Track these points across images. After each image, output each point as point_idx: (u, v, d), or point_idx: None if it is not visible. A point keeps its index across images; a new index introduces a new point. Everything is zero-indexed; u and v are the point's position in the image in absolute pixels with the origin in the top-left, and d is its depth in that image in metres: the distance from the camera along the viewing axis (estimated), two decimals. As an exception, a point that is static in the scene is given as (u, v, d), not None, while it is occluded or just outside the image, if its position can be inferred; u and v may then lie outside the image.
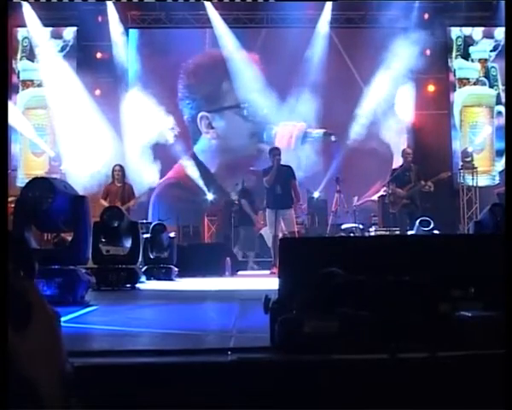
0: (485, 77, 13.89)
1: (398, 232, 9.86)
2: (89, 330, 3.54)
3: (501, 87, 13.60)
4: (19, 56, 13.79)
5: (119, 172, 9.49)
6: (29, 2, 13.24)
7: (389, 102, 13.39)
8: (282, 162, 9.75)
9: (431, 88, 13.84)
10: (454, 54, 13.97)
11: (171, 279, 8.54)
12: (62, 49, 13.78)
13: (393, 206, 10.08)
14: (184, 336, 3.19)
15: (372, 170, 12.78)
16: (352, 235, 11.28)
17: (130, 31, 14.21)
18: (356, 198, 12.97)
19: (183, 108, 14.06)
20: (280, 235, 9.44)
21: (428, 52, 13.02)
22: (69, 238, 5.52)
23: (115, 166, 9.65)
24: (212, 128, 14.05)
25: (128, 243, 7.10)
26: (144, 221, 10.76)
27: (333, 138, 13.42)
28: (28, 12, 13.30)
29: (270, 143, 13.06)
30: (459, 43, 13.96)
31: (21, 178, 12.73)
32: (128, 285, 6.75)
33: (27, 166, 13.48)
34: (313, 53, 13.68)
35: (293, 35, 13.38)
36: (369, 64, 13.11)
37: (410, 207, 9.87)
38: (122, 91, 13.42)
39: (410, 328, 2.38)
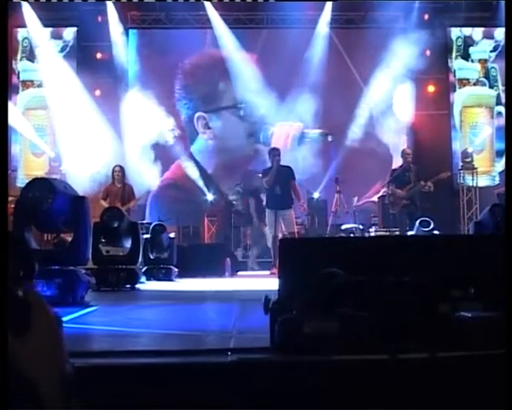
0: (485, 77, 13.90)
1: (398, 233, 9.86)
2: (89, 331, 3.54)
3: (501, 88, 13.60)
4: (19, 57, 13.79)
5: (119, 173, 9.48)
6: (29, 3, 13.24)
7: (389, 103, 13.39)
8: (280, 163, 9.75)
9: (431, 88, 13.85)
10: (454, 54, 13.97)
11: (171, 280, 8.53)
12: (62, 50, 13.79)
13: (393, 206, 10.08)
14: (184, 336, 3.19)
15: (372, 170, 12.78)
16: (351, 235, 11.28)
17: (130, 31, 14.21)
18: (356, 199, 12.97)
19: (180, 108, 14.04)
20: (280, 235, 9.44)
21: (428, 52, 13.01)
22: (69, 239, 5.51)
23: (115, 166, 9.64)
24: (209, 128, 14.03)
25: (128, 244, 7.10)
26: (144, 222, 10.77)
27: (329, 138, 13.41)
28: (28, 12, 13.31)
29: (267, 143, 13.08)
30: (459, 44, 13.97)
31: (21, 179, 12.74)
32: (128, 286, 6.74)
33: (27, 166, 13.48)
34: (313, 53, 13.67)
35: (294, 35, 13.38)
36: (370, 64, 13.12)
37: (410, 208, 9.87)
38: (122, 92, 13.42)
39: (410, 328, 2.38)
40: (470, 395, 2.19)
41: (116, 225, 6.88)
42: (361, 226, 11.86)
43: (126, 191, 9.42)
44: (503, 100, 13.08)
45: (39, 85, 13.70)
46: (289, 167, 9.88)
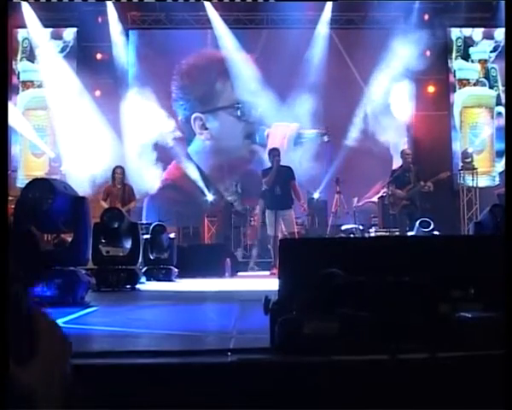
0: (485, 78, 13.90)
1: (398, 233, 9.86)
2: (89, 331, 3.54)
3: (501, 88, 13.60)
4: (19, 57, 13.80)
5: (120, 174, 9.48)
6: (29, 3, 13.25)
7: (389, 103, 13.39)
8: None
9: (431, 89, 13.85)
10: (454, 55, 13.97)
11: (171, 280, 8.53)
12: (62, 50, 13.80)
13: (393, 207, 10.08)
14: (184, 337, 3.19)
15: (372, 171, 12.78)
16: (352, 236, 11.28)
17: (131, 32, 14.21)
18: (356, 199, 12.98)
19: (177, 109, 14.03)
20: (280, 236, 9.44)
21: (428, 53, 13.03)
22: (69, 239, 5.51)
23: (116, 167, 9.64)
24: (206, 129, 14.02)
25: (128, 244, 7.10)
26: (144, 222, 10.77)
27: (325, 139, 13.40)
28: (28, 13, 13.32)
29: (263, 144, 13.06)
30: (459, 44, 13.97)
31: (21, 179, 12.74)
32: (128, 286, 6.74)
33: (27, 167, 13.49)
34: (313, 54, 13.68)
35: (294, 36, 13.39)
36: (370, 65, 13.12)
37: (410, 208, 9.87)
38: (122, 92, 13.42)
39: (410, 329, 2.38)
40: (470, 395, 2.19)
41: (116, 225, 6.88)
42: (361, 227, 11.87)
43: (127, 192, 9.42)
44: (503, 100, 13.08)
45: (39, 86, 13.70)
46: (289, 168, 9.88)
